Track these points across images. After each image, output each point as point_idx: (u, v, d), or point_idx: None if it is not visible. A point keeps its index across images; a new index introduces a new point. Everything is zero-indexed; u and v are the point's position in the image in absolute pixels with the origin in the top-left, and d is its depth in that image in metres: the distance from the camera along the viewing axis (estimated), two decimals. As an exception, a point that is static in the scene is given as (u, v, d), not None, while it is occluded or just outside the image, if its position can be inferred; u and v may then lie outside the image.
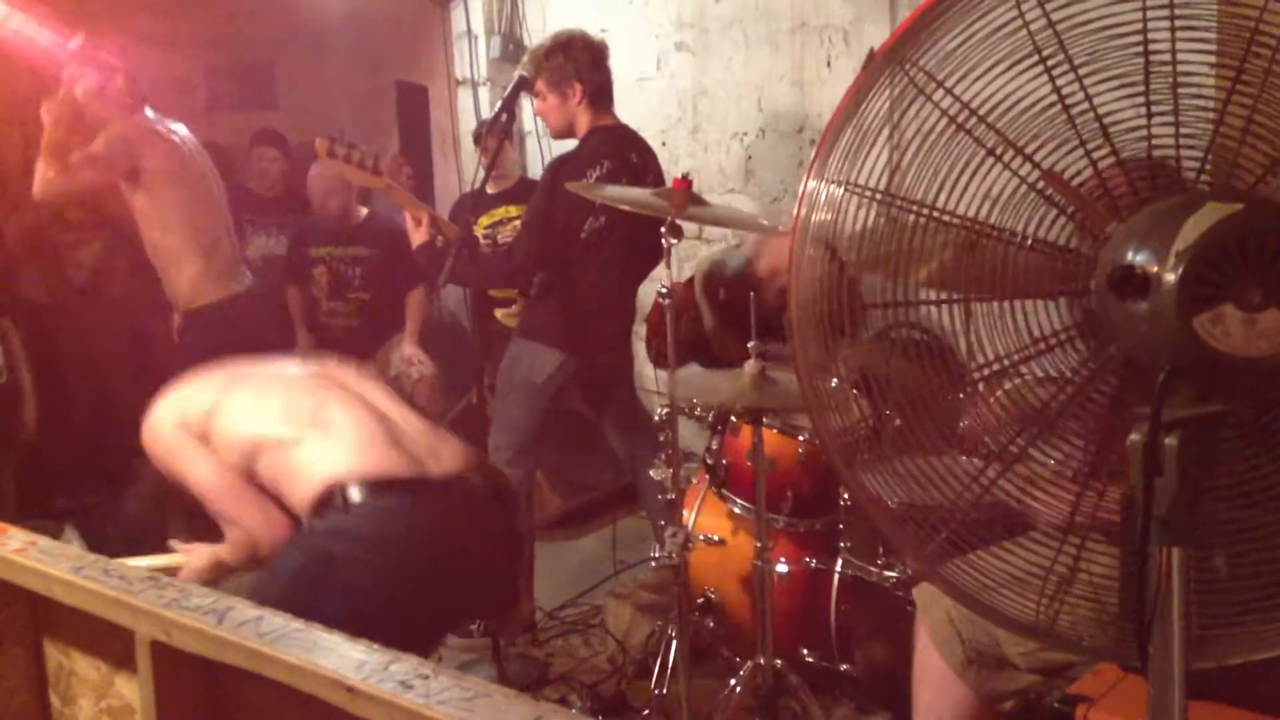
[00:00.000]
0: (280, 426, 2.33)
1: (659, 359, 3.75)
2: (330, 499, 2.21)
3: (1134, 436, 1.16)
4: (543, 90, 3.54)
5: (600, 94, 3.56)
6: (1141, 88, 1.38)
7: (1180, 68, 1.38)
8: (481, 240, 4.43)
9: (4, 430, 3.55)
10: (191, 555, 2.41)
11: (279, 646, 1.37)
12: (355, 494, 2.21)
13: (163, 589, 1.56)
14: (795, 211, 1.55)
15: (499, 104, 3.58)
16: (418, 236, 3.48)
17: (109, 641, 1.65)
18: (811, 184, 1.53)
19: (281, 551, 2.29)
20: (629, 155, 3.52)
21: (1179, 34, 1.37)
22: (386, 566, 2.21)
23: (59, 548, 1.74)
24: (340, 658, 1.34)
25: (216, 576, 2.37)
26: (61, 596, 1.63)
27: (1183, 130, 1.38)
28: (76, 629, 1.72)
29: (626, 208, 2.94)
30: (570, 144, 3.62)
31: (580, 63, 3.51)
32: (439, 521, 2.27)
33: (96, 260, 4.74)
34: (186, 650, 1.46)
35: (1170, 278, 1.09)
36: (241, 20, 5.66)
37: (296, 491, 2.28)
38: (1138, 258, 1.14)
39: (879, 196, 1.48)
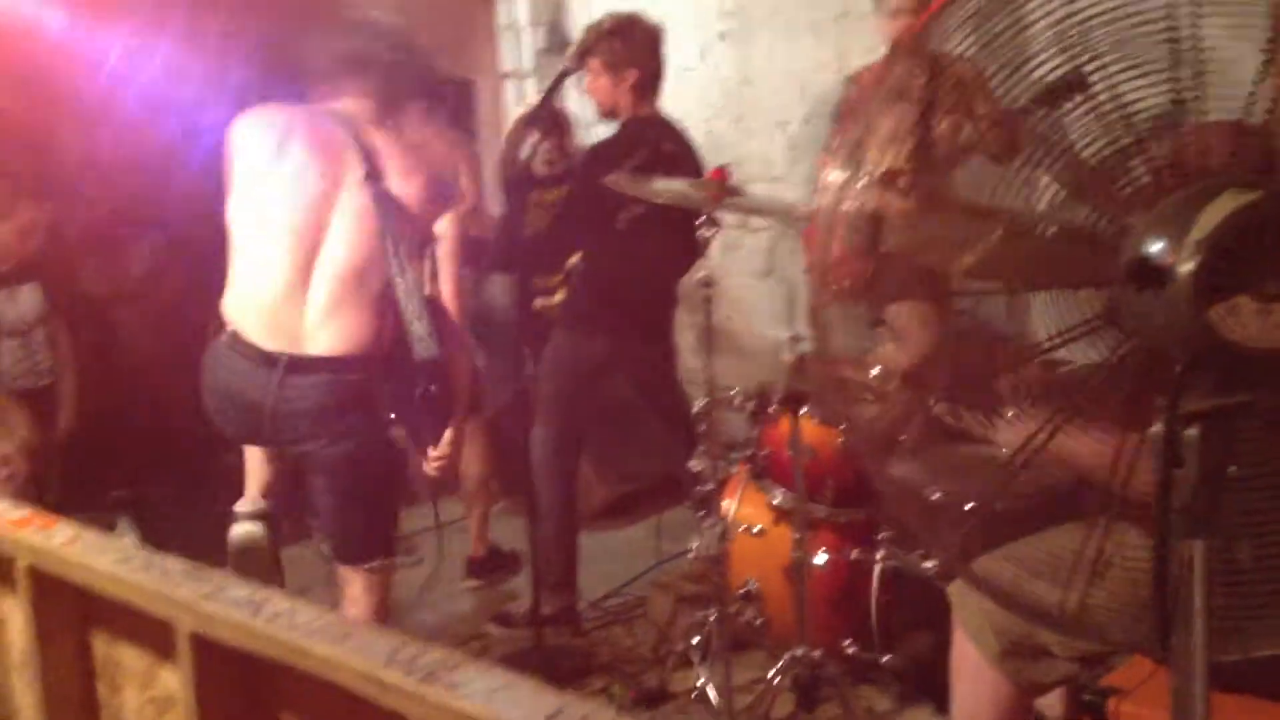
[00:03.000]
0: (259, 230, 2.72)
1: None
2: (218, 333, 2.75)
3: (1154, 428, 1.15)
4: (597, 69, 3.52)
5: (652, 81, 3.55)
6: (1168, 74, 1.37)
7: (1211, 51, 1.36)
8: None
9: (44, 431, 3.69)
10: None
11: (311, 639, 1.40)
12: (225, 342, 2.72)
13: (202, 581, 1.59)
14: (819, 201, 1.55)
15: (542, 94, 3.60)
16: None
17: (153, 633, 1.68)
18: (835, 175, 1.53)
19: None
20: (663, 145, 3.51)
21: (1209, 18, 1.35)
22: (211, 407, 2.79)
23: (105, 541, 1.79)
24: (370, 650, 1.37)
25: None
26: (106, 589, 1.67)
27: (1214, 113, 1.36)
28: (122, 620, 1.77)
29: (664, 200, 2.95)
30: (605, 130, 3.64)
31: (639, 47, 3.50)
32: (261, 391, 2.65)
33: (155, 252, 4.84)
34: (224, 642, 1.50)
35: (1185, 268, 1.08)
36: (284, 17, 5.71)
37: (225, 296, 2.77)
38: (1154, 248, 1.13)
39: (908, 190, 1.48)
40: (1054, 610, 1.44)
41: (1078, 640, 1.87)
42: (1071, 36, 1.38)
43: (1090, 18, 1.37)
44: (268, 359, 2.66)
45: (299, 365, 2.66)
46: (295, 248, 2.68)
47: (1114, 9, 1.37)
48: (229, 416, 2.78)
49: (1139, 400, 1.29)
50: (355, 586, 2.79)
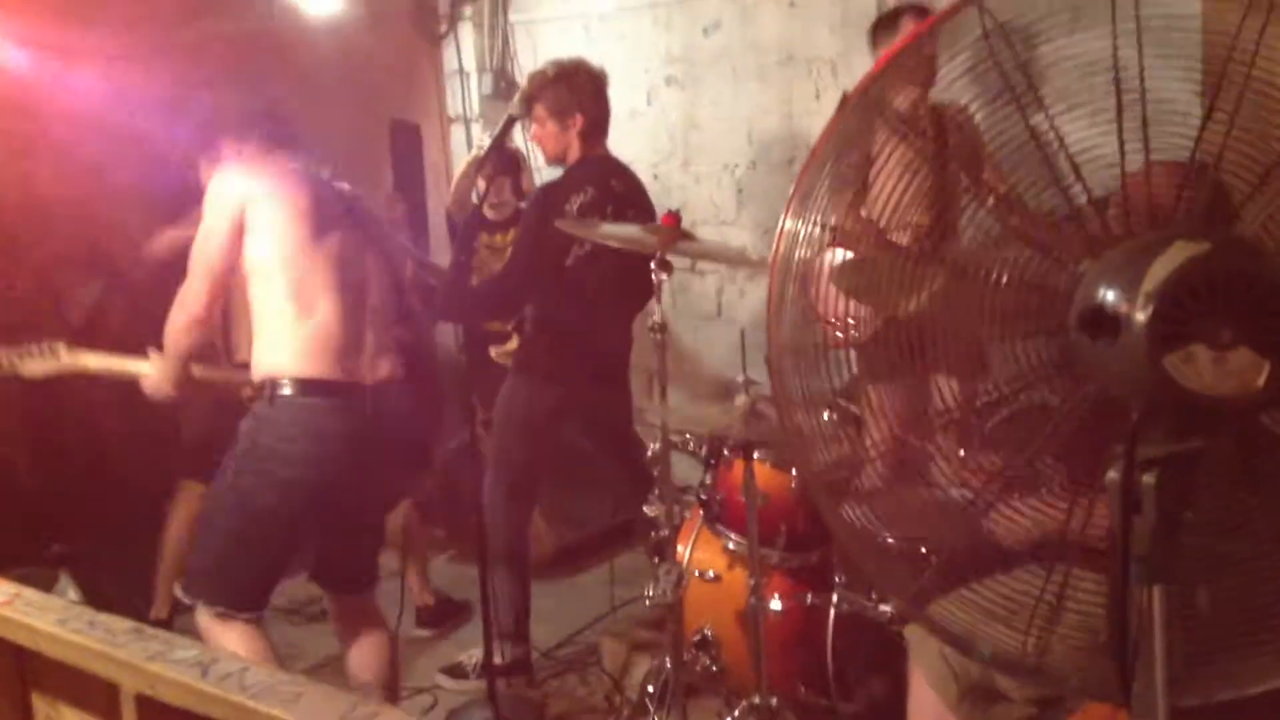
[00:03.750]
0: (280, 277, 2.66)
1: None
2: (267, 384, 2.64)
3: (1111, 474, 1.16)
4: (542, 117, 3.53)
5: (598, 125, 3.57)
6: (1114, 120, 1.39)
7: (1156, 94, 1.38)
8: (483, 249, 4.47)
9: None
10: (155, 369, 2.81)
11: (262, 700, 1.36)
12: (284, 389, 2.63)
13: (147, 641, 1.55)
14: (774, 249, 1.56)
15: (488, 141, 3.62)
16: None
17: (96, 693, 1.64)
18: (790, 223, 1.54)
19: (224, 464, 2.69)
20: (610, 182, 3.52)
21: (1158, 62, 1.38)
22: (301, 456, 2.63)
23: (45, 600, 1.74)
24: (322, 711, 1.34)
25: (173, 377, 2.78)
26: (47, 650, 1.62)
27: (1162, 161, 1.38)
28: (64, 681, 1.71)
29: (616, 244, 2.95)
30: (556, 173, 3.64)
31: (583, 93, 3.52)
32: (352, 423, 2.67)
33: (95, 301, 4.75)
34: (171, 704, 1.45)
35: (1139, 317, 1.09)
36: (232, 61, 5.69)
37: (255, 346, 2.69)
38: (1108, 297, 1.14)
39: (861, 236, 1.49)
40: (1011, 655, 1.45)
41: (1035, 685, 1.87)
42: (1018, 83, 1.40)
43: (1035, 61, 1.39)
44: (359, 390, 2.71)
45: (382, 393, 2.75)
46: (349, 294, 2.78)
47: (1059, 56, 1.40)
48: (322, 467, 2.67)
49: (1094, 446, 1.31)
50: (372, 610, 2.96)
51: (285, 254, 2.67)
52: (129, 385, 2.90)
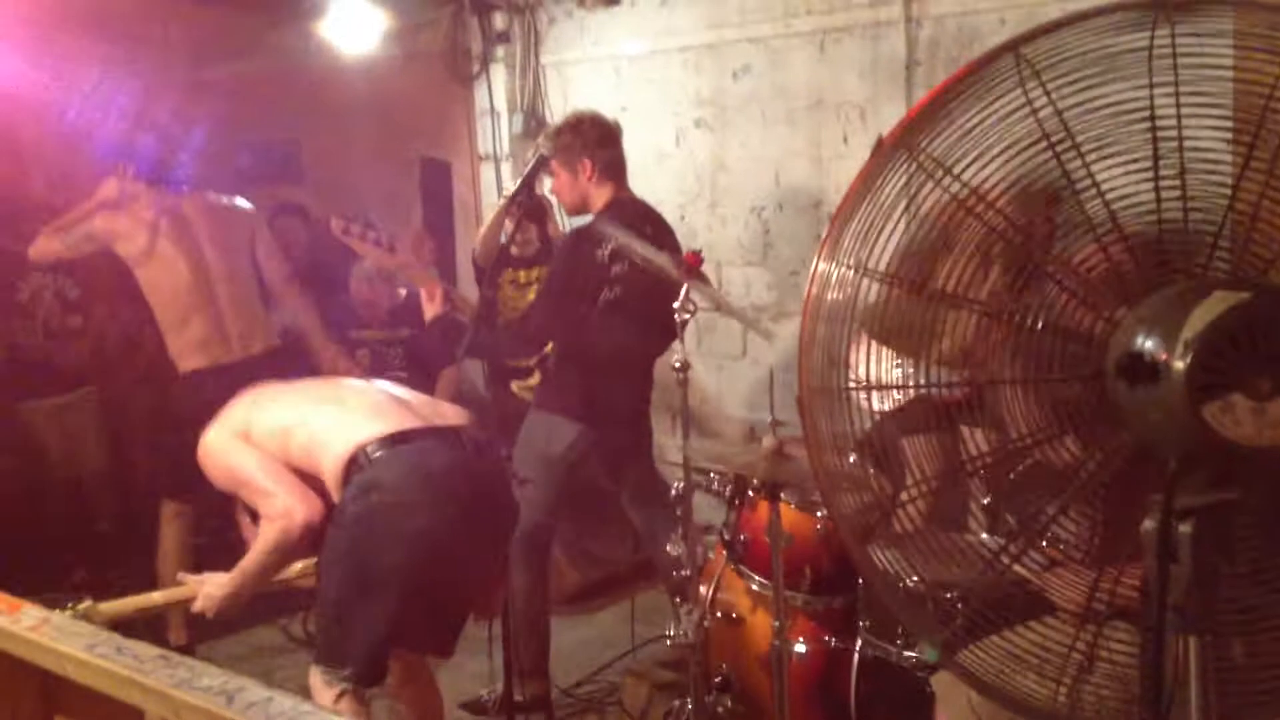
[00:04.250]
0: (302, 406, 2.78)
1: None
2: (355, 462, 2.60)
3: (1147, 524, 1.15)
4: (556, 168, 3.61)
5: (611, 169, 3.60)
6: (1151, 168, 1.39)
7: (1193, 143, 1.38)
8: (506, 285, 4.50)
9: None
10: (207, 584, 2.72)
11: (288, 730, 1.36)
12: (375, 449, 2.60)
13: (174, 668, 1.55)
14: (806, 291, 1.57)
15: (520, 180, 3.67)
16: (430, 310, 3.53)
17: (120, 719, 1.64)
18: (823, 266, 1.55)
19: (328, 537, 2.61)
20: (643, 228, 3.55)
21: (1195, 111, 1.38)
22: (419, 501, 2.58)
23: (73, 625, 1.74)
24: (349, 741, 1.33)
25: (240, 594, 2.69)
26: (74, 675, 1.63)
27: (1198, 209, 1.38)
28: (88, 706, 1.72)
29: (644, 264, 2.97)
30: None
31: (589, 140, 3.57)
32: (451, 458, 2.66)
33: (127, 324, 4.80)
34: (196, 731, 1.45)
35: (1178, 365, 1.09)
36: (269, 98, 5.76)
37: (326, 458, 2.64)
38: (1146, 344, 1.14)
39: (891, 279, 1.49)
40: (1043, 704, 1.43)
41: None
42: (1054, 128, 1.40)
43: (1072, 109, 1.39)
44: (451, 431, 2.75)
45: (468, 436, 2.78)
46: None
47: (1097, 104, 1.40)
48: (439, 512, 2.59)
49: (1127, 495, 1.30)
50: (425, 665, 2.93)
51: (301, 416, 2.74)
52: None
